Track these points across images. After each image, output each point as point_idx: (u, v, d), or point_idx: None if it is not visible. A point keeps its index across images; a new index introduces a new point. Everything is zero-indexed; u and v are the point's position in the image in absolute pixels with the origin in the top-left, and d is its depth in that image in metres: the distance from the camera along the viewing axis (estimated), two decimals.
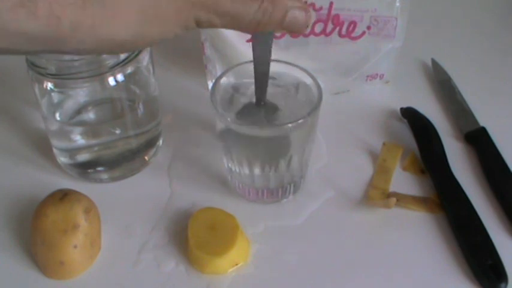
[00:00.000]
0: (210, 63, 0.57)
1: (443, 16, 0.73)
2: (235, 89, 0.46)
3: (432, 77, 0.62)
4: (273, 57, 0.41)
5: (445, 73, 0.61)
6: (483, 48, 0.68)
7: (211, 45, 0.55)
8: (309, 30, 0.36)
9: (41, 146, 0.52)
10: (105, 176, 0.50)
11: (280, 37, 0.54)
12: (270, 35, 0.38)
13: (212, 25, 0.33)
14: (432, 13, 0.74)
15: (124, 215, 0.47)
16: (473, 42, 0.69)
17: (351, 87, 0.58)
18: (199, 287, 0.42)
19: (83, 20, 0.29)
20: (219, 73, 0.57)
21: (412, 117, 0.55)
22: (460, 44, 0.68)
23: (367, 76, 0.59)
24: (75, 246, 0.41)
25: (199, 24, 0.33)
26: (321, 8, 0.53)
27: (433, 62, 0.63)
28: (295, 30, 0.35)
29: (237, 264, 0.43)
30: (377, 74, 0.59)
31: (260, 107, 0.44)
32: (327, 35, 0.55)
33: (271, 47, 0.39)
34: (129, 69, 0.45)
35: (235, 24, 0.33)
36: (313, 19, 0.36)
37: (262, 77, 0.42)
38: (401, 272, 0.43)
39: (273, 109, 0.44)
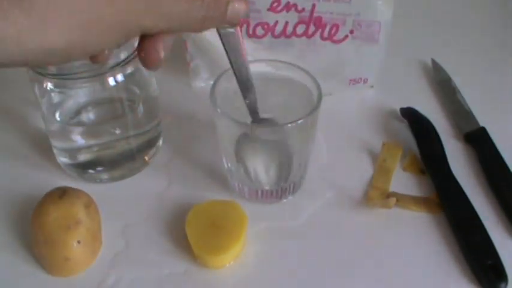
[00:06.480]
0: (193, 61, 0.57)
1: (443, 16, 0.73)
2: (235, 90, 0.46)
3: (432, 77, 0.62)
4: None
5: (445, 73, 0.61)
6: (483, 48, 0.68)
7: (193, 42, 0.55)
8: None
9: (41, 146, 0.52)
10: (105, 176, 0.50)
11: (262, 36, 0.54)
12: (232, 36, 0.38)
13: (158, 30, 0.31)
14: (432, 13, 0.74)
15: (124, 214, 0.47)
16: (473, 42, 0.69)
17: (333, 90, 0.57)
18: (200, 284, 0.42)
19: (5, 30, 0.26)
20: (202, 70, 0.57)
21: (412, 117, 0.55)
22: (460, 44, 0.68)
23: (350, 80, 0.58)
24: (79, 242, 0.41)
25: (144, 30, 0.31)
26: (303, 10, 0.53)
27: (433, 62, 0.63)
28: (236, 22, 0.35)
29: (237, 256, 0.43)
30: (361, 79, 0.59)
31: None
32: (308, 36, 0.55)
33: (241, 48, 0.39)
34: (129, 69, 0.45)
35: (183, 23, 0.32)
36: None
37: (246, 82, 0.42)
38: (401, 272, 0.43)
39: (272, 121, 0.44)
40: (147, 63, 0.34)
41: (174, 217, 0.47)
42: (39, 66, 0.42)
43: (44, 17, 0.27)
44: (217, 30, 0.37)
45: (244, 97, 0.43)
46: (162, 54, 0.33)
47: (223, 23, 0.34)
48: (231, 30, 0.37)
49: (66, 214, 0.41)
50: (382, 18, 0.54)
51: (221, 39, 0.38)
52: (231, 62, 0.40)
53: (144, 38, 0.33)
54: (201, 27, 0.33)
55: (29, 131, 0.55)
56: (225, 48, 0.39)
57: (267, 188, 0.47)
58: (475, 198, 0.47)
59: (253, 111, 0.43)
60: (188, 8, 0.31)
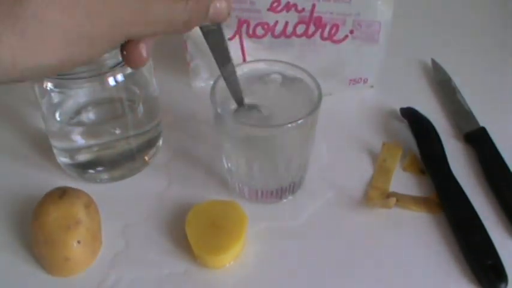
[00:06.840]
0: (193, 61, 0.57)
1: (443, 16, 0.73)
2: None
3: (432, 77, 0.62)
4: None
5: (445, 73, 0.61)
6: (483, 48, 0.68)
7: (193, 42, 0.55)
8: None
9: (41, 146, 0.52)
10: (105, 176, 0.50)
11: (262, 36, 0.54)
12: (215, 33, 0.39)
13: (144, 35, 0.33)
14: (432, 13, 0.74)
15: (124, 214, 0.47)
16: (473, 42, 0.69)
17: (333, 90, 0.57)
18: (200, 284, 0.42)
19: (1, 52, 0.28)
20: (202, 70, 0.57)
21: (412, 117, 0.55)
22: (460, 44, 0.68)
23: (350, 80, 0.58)
24: (79, 242, 0.42)
25: (130, 37, 0.33)
26: (303, 10, 0.53)
27: (433, 62, 0.63)
28: (219, 20, 0.36)
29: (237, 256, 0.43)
30: (361, 79, 0.59)
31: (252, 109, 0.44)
32: (308, 36, 0.55)
33: (225, 44, 0.40)
34: (129, 69, 0.45)
35: (167, 27, 0.33)
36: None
37: (230, 76, 0.43)
38: (401, 272, 0.43)
39: (256, 109, 0.45)
40: (130, 63, 0.35)
41: (174, 217, 0.47)
42: (34, 79, 0.43)
43: (37, 38, 0.28)
44: (200, 28, 0.38)
45: (230, 89, 0.44)
46: (144, 54, 0.34)
47: (205, 22, 0.36)
48: (213, 27, 0.38)
49: (66, 214, 0.42)
50: (382, 18, 0.54)
51: (204, 36, 0.39)
52: (216, 60, 0.41)
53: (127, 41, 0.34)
54: (185, 28, 0.34)
55: (29, 131, 0.55)
56: (209, 46, 0.40)
57: (266, 188, 0.47)
58: (475, 198, 0.47)
59: (239, 102, 0.44)
60: (172, 12, 0.33)
